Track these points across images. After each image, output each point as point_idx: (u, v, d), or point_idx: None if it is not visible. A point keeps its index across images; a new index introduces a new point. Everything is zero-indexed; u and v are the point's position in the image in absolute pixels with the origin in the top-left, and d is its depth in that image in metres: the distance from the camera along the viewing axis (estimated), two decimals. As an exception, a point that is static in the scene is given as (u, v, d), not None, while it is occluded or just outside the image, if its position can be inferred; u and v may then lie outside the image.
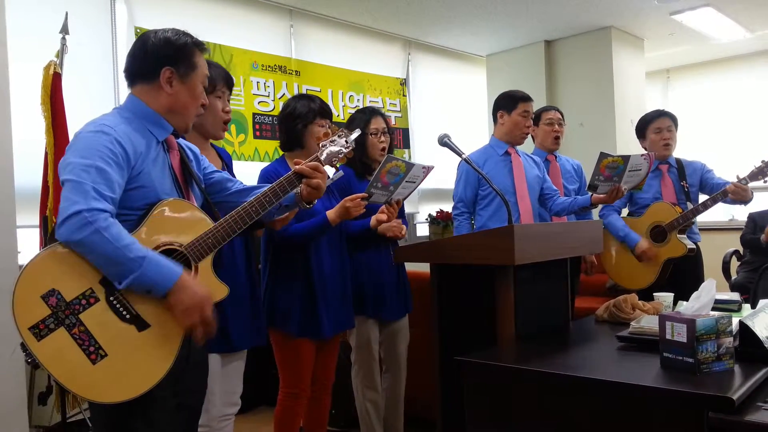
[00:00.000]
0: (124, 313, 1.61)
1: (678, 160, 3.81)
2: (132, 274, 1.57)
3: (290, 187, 1.91)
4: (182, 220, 1.75)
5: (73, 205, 1.54)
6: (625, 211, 3.93)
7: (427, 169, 2.70)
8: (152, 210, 1.69)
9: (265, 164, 2.77)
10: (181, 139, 1.93)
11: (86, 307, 1.58)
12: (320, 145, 2.01)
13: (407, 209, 3.31)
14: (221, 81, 2.30)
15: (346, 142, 2.03)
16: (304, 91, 5.20)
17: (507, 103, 3.47)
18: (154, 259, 1.60)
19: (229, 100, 2.36)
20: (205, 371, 1.95)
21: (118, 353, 1.59)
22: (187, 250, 1.72)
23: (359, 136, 2.94)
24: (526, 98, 3.47)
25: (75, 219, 1.53)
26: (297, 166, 1.92)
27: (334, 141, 2.02)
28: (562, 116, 4.03)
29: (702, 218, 3.78)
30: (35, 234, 3.45)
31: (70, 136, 1.75)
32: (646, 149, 3.83)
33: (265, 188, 1.90)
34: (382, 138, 2.97)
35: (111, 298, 1.60)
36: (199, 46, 1.85)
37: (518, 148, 3.56)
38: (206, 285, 1.72)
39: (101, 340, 1.57)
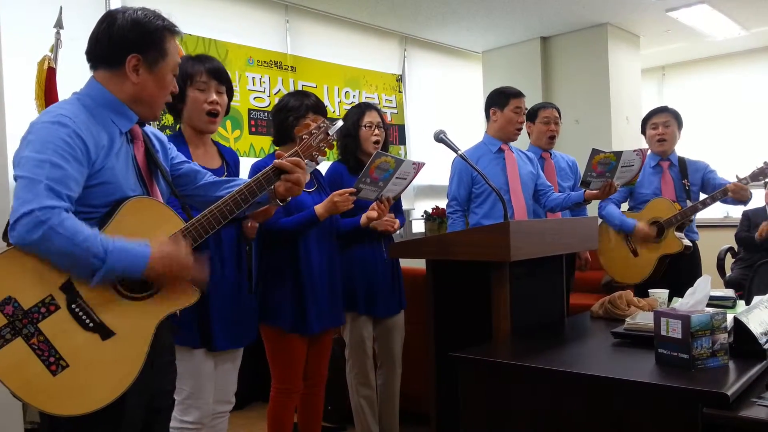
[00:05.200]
0: (87, 321, 1.51)
1: (681, 159, 3.81)
2: (98, 271, 1.48)
3: (267, 184, 1.79)
4: (151, 221, 1.62)
5: (25, 205, 1.43)
6: (625, 206, 3.94)
7: (418, 166, 2.69)
8: (118, 209, 1.58)
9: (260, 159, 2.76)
10: (147, 127, 1.81)
11: (46, 315, 1.47)
12: (301, 137, 1.91)
13: (403, 206, 3.30)
14: (202, 72, 2.21)
15: (327, 134, 1.92)
16: (299, 87, 5.19)
17: (499, 99, 3.48)
18: (118, 247, 1.50)
19: (219, 92, 2.26)
20: (172, 371, 1.85)
21: (81, 364, 1.49)
22: None
23: (353, 130, 2.96)
24: (518, 94, 3.48)
25: (27, 219, 1.42)
26: (277, 161, 1.81)
27: (314, 133, 1.91)
28: (560, 114, 4.02)
29: (697, 215, 3.79)
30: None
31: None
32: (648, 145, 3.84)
33: (240, 184, 1.79)
34: (376, 131, 2.96)
35: (73, 306, 1.50)
36: (171, 29, 1.69)
37: (513, 144, 3.57)
38: (175, 289, 1.63)
39: (62, 350, 1.48)
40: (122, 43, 1.63)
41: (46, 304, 1.48)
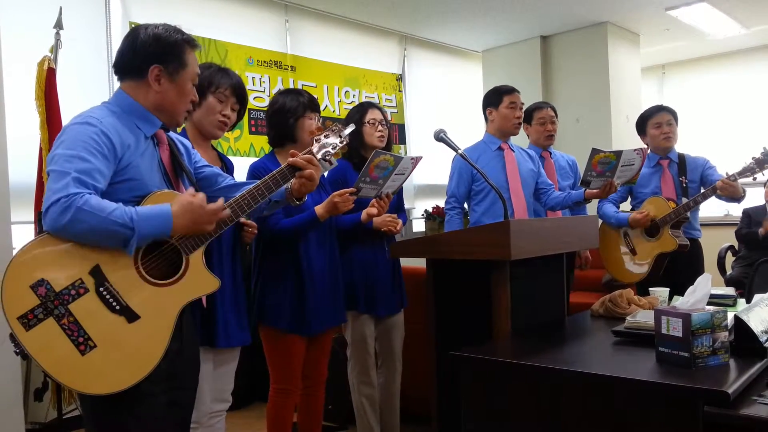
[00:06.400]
0: (114, 304, 1.60)
1: (681, 156, 3.81)
2: (130, 239, 1.58)
3: (283, 181, 1.90)
4: None
5: (54, 194, 1.54)
6: (625, 206, 3.94)
7: (416, 160, 2.70)
8: (143, 201, 1.69)
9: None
10: (172, 132, 1.92)
11: (75, 297, 1.57)
12: (314, 139, 2.00)
13: (404, 205, 3.31)
14: (227, 86, 2.31)
15: (341, 136, 2.02)
16: (299, 87, 5.19)
17: (493, 99, 3.53)
18: (142, 213, 1.61)
19: (235, 110, 2.36)
20: (197, 367, 1.94)
21: (108, 345, 1.58)
22: (179, 242, 1.72)
23: (356, 127, 2.96)
24: (510, 90, 3.51)
25: (56, 206, 1.53)
26: (291, 159, 1.91)
27: (328, 135, 2.00)
28: (555, 113, 4.03)
29: (699, 214, 3.79)
30: (30, 230, 3.44)
31: (65, 132, 1.73)
32: (647, 145, 3.83)
33: (257, 182, 1.89)
34: (379, 127, 2.97)
35: (101, 289, 1.60)
36: (190, 43, 1.82)
37: (513, 143, 3.57)
38: (197, 278, 1.73)
39: (90, 331, 1.57)
40: (145, 55, 1.76)
41: (76, 287, 1.58)
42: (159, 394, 1.70)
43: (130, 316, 1.62)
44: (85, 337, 1.56)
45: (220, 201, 1.77)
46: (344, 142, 2.03)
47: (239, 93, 2.36)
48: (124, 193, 1.68)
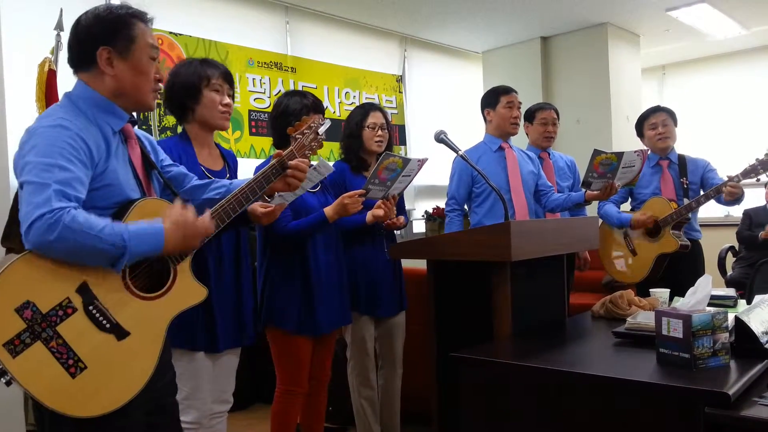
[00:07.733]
0: (104, 322, 1.53)
1: (681, 157, 3.81)
2: (121, 257, 1.49)
3: (274, 177, 1.89)
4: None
5: (37, 209, 1.43)
6: (626, 207, 3.94)
7: (422, 162, 2.72)
8: (127, 212, 1.60)
9: (261, 161, 2.76)
10: (136, 129, 1.82)
11: (63, 318, 1.48)
12: (292, 137, 1.98)
13: (405, 205, 3.31)
14: (218, 76, 2.33)
15: (317, 133, 2.00)
16: (300, 88, 5.18)
17: (490, 99, 3.54)
18: (134, 231, 1.52)
19: (229, 95, 2.38)
20: (173, 387, 1.84)
21: (98, 365, 1.51)
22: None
23: (356, 130, 2.97)
24: (507, 90, 3.52)
25: (40, 222, 1.42)
26: (291, 163, 1.90)
27: (306, 133, 1.99)
28: (558, 115, 4.03)
29: (699, 215, 3.79)
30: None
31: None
32: (646, 147, 3.83)
33: (226, 185, 1.87)
34: (380, 132, 2.96)
35: (90, 308, 1.52)
36: (137, 15, 1.68)
37: (513, 144, 3.57)
38: (185, 289, 1.67)
39: (80, 352, 1.49)
40: (89, 39, 1.63)
41: (63, 307, 1.49)
42: (138, 410, 1.61)
43: (120, 333, 1.55)
44: (75, 359, 1.48)
45: (207, 214, 1.70)
46: (321, 138, 2.01)
47: (229, 79, 2.39)
48: (102, 200, 1.59)
